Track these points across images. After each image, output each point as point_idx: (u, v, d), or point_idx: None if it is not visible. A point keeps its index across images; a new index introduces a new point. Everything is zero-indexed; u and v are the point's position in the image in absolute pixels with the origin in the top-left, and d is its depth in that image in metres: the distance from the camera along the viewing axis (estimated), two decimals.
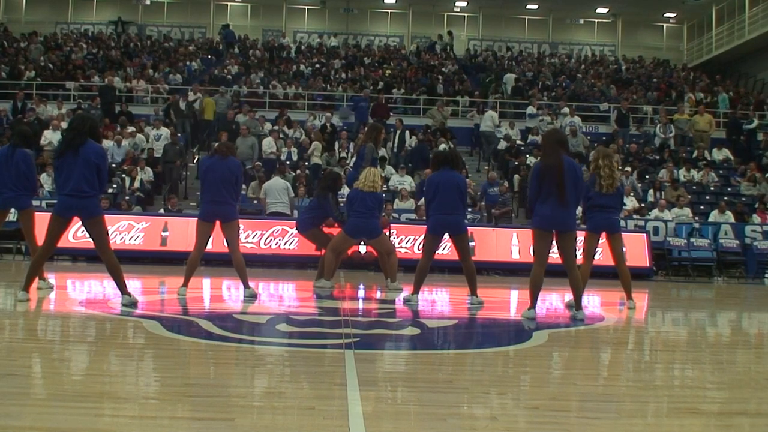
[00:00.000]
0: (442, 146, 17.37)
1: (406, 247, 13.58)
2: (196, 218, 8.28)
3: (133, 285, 8.24)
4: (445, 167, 8.11)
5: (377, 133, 10.15)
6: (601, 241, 8.50)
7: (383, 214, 10.17)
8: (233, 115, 19.70)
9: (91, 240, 6.87)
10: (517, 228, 14.70)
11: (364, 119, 20.42)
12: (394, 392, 3.94)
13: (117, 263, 6.84)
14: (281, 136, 19.08)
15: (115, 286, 6.89)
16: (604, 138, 21.27)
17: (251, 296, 7.96)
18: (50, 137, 17.58)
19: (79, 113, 15.26)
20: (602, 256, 11.15)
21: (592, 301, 9.18)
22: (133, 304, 6.81)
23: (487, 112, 21.05)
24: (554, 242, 6.92)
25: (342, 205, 10.51)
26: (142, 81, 23.31)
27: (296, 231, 10.93)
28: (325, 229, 10.20)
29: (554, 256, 7.07)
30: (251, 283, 8.14)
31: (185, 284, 7.87)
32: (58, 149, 6.98)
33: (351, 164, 13.81)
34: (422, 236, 12.78)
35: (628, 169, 18.02)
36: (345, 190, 11.82)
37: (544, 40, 33.79)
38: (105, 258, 6.80)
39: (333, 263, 9.46)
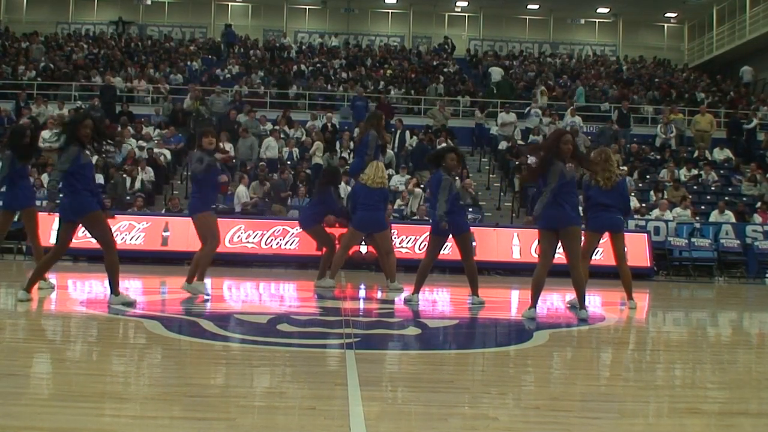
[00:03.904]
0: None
1: (406, 247, 13.57)
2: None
3: (134, 285, 8.24)
4: (437, 167, 8.11)
5: (378, 119, 9.77)
6: (602, 241, 8.50)
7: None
8: (235, 115, 19.72)
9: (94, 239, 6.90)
10: (517, 228, 14.69)
11: (362, 118, 20.41)
12: (395, 392, 3.94)
13: (116, 261, 6.84)
14: (282, 136, 19.08)
15: (108, 283, 6.89)
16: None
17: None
18: (47, 136, 17.55)
19: (69, 115, 15.18)
20: (603, 255, 11.15)
21: (593, 301, 9.17)
22: (128, 304, 6.80)
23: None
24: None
25: (345, 200, 10.49)
26: (143, 81, 23.29)
27: (299, 228, 10.92)
28: (327, 230, 10.19)
29: (558, 256, 7.06)
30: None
31: (201, 278, 7.96)
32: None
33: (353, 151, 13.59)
34: (423, 236, 12.79)
35: (625, 168, 18.06)
36: (345, 187, 11.81)
37: (545, 40, 33.77)
38: (106, 254, 6.81)
39: (340, 262, 9.46)
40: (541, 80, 25.82)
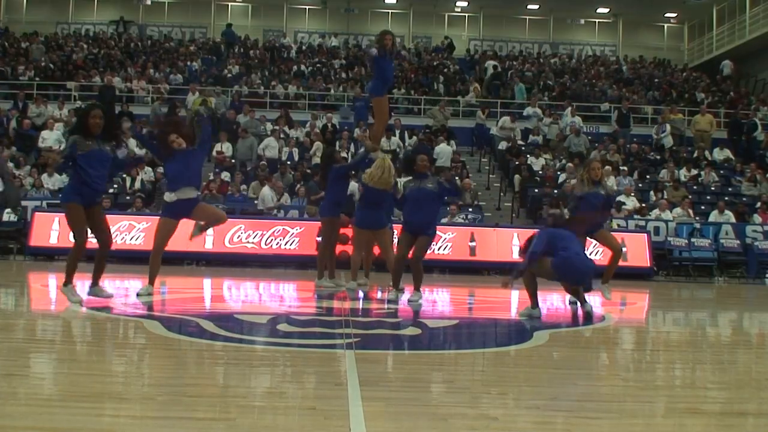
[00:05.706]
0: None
1: None
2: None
3: (135, 285, 8.24)
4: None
5: (382, 35, 9.05)
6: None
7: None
8: (235, 115, 19.71)
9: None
10: (517, 228, 14.68)
11: (362, 118, 20.43)
12: (395, 392, 3.93)
13: (76, 257, 6.77)
14: (282, 136, 19.07)
15: (95, 270, 6.93)
16: (605, 138, 21.24)
17: None
18: (47, 137, 17.59)
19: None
20: (603, 255, 11.14)
21: (593, 301, 9.15)
22: (107, 296, 6.83)
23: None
24: None
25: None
26: (142, 81, 23.27)
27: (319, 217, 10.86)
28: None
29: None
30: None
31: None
32: None
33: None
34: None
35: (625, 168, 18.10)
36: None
37: (545, 40, 33.75)
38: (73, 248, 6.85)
39: (356, 264, 9.43)
40: (540, 80, 25.85)
